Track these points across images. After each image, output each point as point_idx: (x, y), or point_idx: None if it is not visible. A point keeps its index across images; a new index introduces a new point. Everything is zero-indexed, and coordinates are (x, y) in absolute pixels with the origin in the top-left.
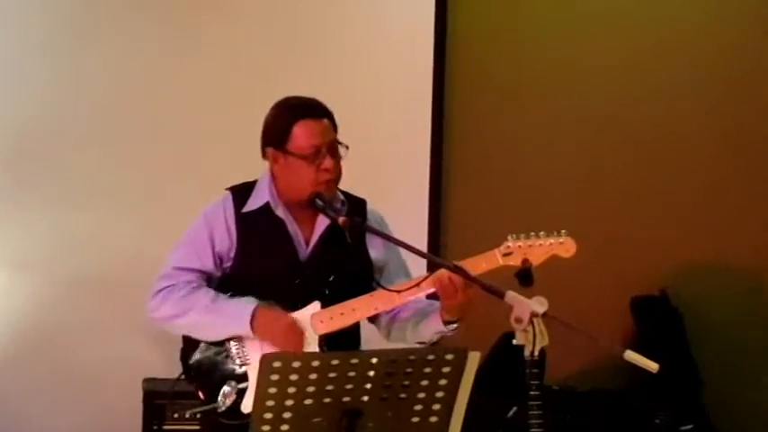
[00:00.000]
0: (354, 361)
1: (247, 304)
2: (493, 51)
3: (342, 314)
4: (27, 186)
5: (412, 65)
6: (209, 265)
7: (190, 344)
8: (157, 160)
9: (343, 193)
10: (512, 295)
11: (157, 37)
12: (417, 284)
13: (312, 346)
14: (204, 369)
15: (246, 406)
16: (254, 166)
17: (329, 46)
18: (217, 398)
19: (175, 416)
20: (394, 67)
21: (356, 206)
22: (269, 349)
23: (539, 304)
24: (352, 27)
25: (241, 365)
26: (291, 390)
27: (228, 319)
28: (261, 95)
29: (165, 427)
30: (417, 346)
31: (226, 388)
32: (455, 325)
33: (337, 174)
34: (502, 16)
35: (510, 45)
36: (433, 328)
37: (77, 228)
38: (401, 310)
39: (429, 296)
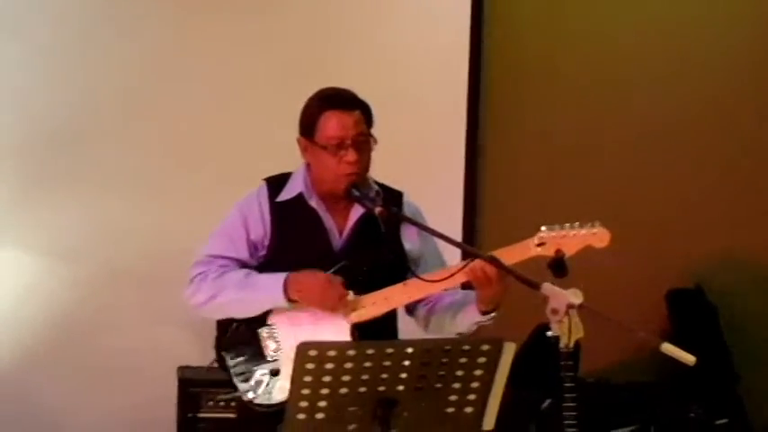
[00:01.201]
0: (390, 350)
1: (280, 273)
2: (529, 40)
3: (374, 303)
4: (65, 177)
5: (447, 54)
6: (243, 253)
7: (223, 332)
8: (194, 151)
9: (380, 185)
10: (547, 286)
11: (194, 26)
12: (451, 275)
13: (344, 334)
14: (237, 356)
15: (278, 393)
16: (290, 159)
17: (363, 34)
18: (249, 385)
19: (210, 403)
20: (429, 56)
21: (393, 198)
22: (302, 335)
23: (574, 296)
24: (386, 14)
25: (273, 353)
26: (327, 378)
27: (263, 290)
28: (297, 88)
29: (200, 415)
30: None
31: (257, 376)
32: (492, 314)
33: (361, 167)
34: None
35: (547, 30)
36: (470, 319)
37: (114, 218)
38: (438, 302)
39: (463, 286)
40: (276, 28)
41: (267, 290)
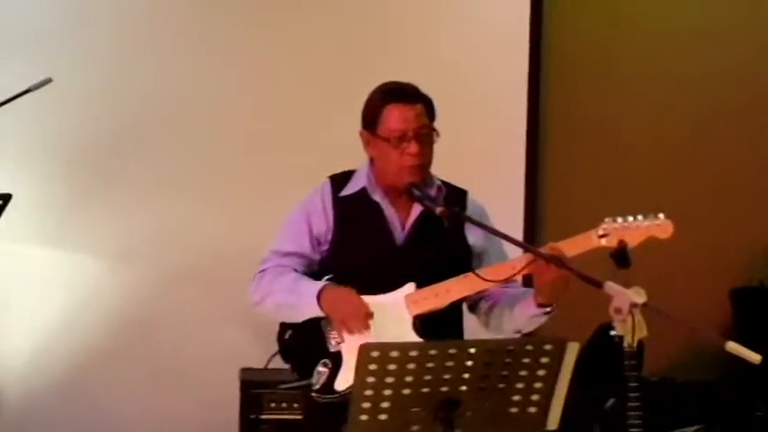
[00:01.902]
0: (452, 350)
1: (319, 283)
2: (588, 35)
3: (436, 295)
4: (127, 179)
5: (508, 51)
6: (306, 248)
7: (285, 325)
8: (257, 153)
9: (445, 183)
10: (611, 285)
11: (251, 29)
12: (513, 274)
13: (406, 326)
14: (299, 348)
15: (340, 383)
16: (351, 156)
17: (424, 31)
18: (311, 376)
19: (272, 405)
20: (490, 54)
21: (457, 196)
22: None
23: (638, 294)
24: (445, 10)
25: (335, 345)
26: (389, 379)
27: (302, 299)
28: (359, 86)
29: (263, 417)
30: (514, 335)
31: (320, 367)
32: (548, 308)
33: (424, 160)
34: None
35: (605, 25)
36: (527, 312)
37: (177, 220)
38: (499, 297)
39: (524, 282)
40: (337, 24)
41: (305, 300)
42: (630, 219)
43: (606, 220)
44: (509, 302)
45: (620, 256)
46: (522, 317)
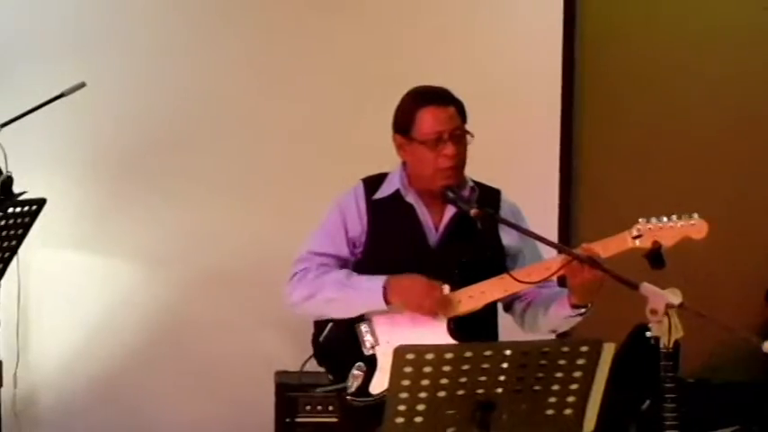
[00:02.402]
0: (488, 353)
1: (380, 276)
2: (622, 33)
3: (470, 297)
4: (160, 183)
5: (541, 51)
6: (343, 250)
7: (320, 327)
8: (289, 155)
9: (477, 183)
10: (646, 286)
11: (287, 31)
12: (549, 275)
13: (441, 329)
14: (333, 351)
15: (375, 387)
16: (383, 158)
17: (457, 32)
18: (346, 379)
19: (308, 408)
20: (523, 54)
21: (490, 196)
22: (398, 331)
23: (673, 295)
24: (480, 12)
25: (370, 348)
26: (425, 382)
27: (362, 292)
28: (393, 89)
29: (298, 420)
30: (549, 336)
31: (355, 370)
32: (583, 309)
33: (459, 161)
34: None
35: (640, 26)
36: (562, 313)
37: (210, 223)
38: (534, 297)
39: (559, 282)
40: (371, 27)
41: (367, 292)
42: (665, 219)
43: (640, 220)
44: (544, 303)
45: (655, 257)
46: (557, 317)
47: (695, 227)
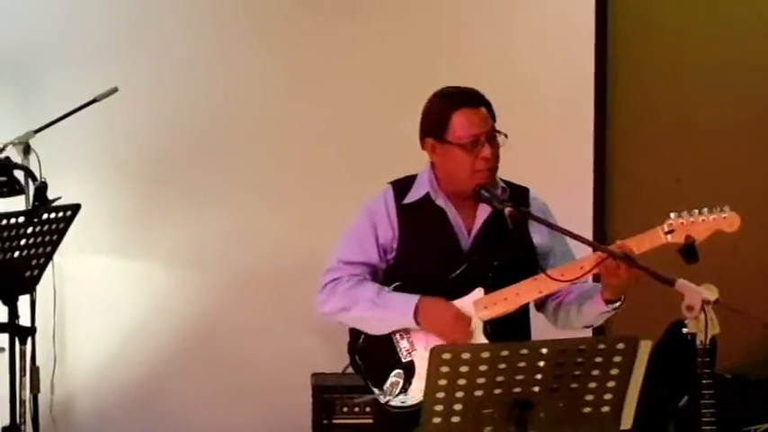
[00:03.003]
0: (524, 351)
1: (410, 297)
2: (654, 31)
3: (505, 299)
4: (197, 188)
5: (573, 49)
6: (373, 257)
7: (356, 335)
8: (322, 157)
9: (505, 181)
10: (682, 283)
11: (320, 35)
12: (582, 274)
13: (477, 332)
14: (370, 359)
15: (415, 393)
16: (416, 161)
17: (488, 32)
18: (383, 387)
19: (345, 410)
20: (556, 52)
21: (519, 194)
22: (434, 338)
23: (709, 291)
24: (512, 12)
25: (407, 355)
26: (462, 381)
27: (393, 313)
28: (420, 90)
29: (335, 421)
30: (583, 333)
31: (392, 378)
32: (617, 304)
33: (495, 162)
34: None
35: (674, 22)
36: (596, 309)
37: (247, 227)
38: (566, 294)
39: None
40: (397, 31)
41: (397, 313)
42: (696, 212)
43: (672, 215)
44: (577, 300)
45: (688, 251)
46: (591, 313)
47: (727, 220)
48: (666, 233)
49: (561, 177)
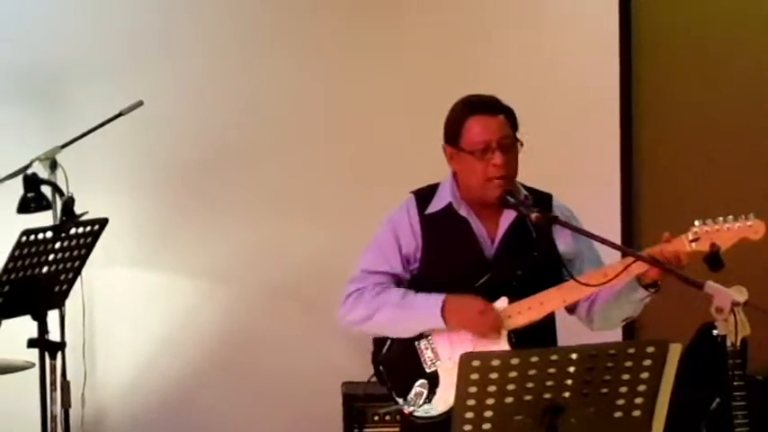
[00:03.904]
0: (554, 357)
1: (437, 296)
2: (681, 33)
3: (530, 308)
4: (223, 200)
5: (598, 52)
6: (397, 267)
7: (379, 346)
8: (348, 167)
9: (528, 188)
10: (711, 285)
11: (347, 46)
12: (609, 279)
13: (502, 341)
14: (394, 369)
15: (439, 404)
16: (442, 170)
17: (513, 38)
18: (407, 397)
19: (375, 418)
20: (580, 55)
21: (542, 201)
22: (459, 347)
23: (739, 293)
24: (537, 17)
25: (431, 365)
26: (492, 388)
27: (419, 312)
28: (447, 99)
29: (366, 430)
30: (614, 337)
31: (416, 388)
32: (654, 289)
33: (509, 170)
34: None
35: (699, 23)
36: (635, 297)
37: (273, 238)
38: (597, 294)
39: None
40: (421, 37)
41: (424, 313)
42: (721, 220)
43: (696, 223)
44: (612, 295)
45: (713, 259)
46: (630, 303)
47: (752, 228)
48: (691, 241)
49: (588, 182)
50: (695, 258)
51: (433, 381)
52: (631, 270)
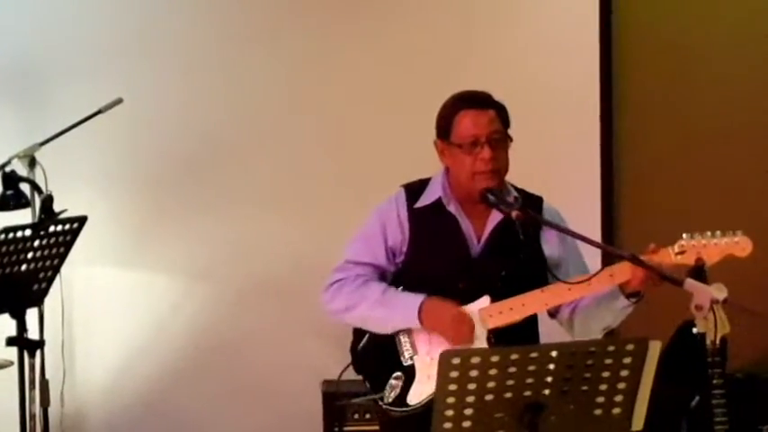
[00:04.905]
0: (534, 355)
1: (416, 297)
2: (662, 35)
3: (511, 309)
4: (203, 198)
5: (578, 54)
6: (381, 259)
7: (358, 336)
8: (328, 164)
9: (519, 190)
10: (691, 282)
11: (328, 42)
12: (588, 279)
13: (480, 340)
14: (372, 360)
15: (413, 397)
16: (428, 168)
17: (493, 35)
18: (384, 388)
19: (356, 416)
20: (559, 56)
21: (533, 203)
22: (437, 343)
23: (718, 291)
24: (517, 16)
25: (409, 358)
26: (472, 386)
27: (397, 312)
28: (428, 95)
29: (346, 429)
30: (602, 334)
31: (392, 381)
32: (638, 297)
33: (497, 165)
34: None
35: (682, 25)
36: (616, 306)
37: (253, 236)
38: (579, 301)
39: None
40: (403, 35)
41: (401, 313)
42: (708, 235)
43: (684, 236)
44: (594, 301)
45: (698, 274)
46: (611, 312)
47: (739, 245)
48: (677, 254)
49: (569, 186)
50: (679, 270)
51: (409, 374)
52: (615, 277)
